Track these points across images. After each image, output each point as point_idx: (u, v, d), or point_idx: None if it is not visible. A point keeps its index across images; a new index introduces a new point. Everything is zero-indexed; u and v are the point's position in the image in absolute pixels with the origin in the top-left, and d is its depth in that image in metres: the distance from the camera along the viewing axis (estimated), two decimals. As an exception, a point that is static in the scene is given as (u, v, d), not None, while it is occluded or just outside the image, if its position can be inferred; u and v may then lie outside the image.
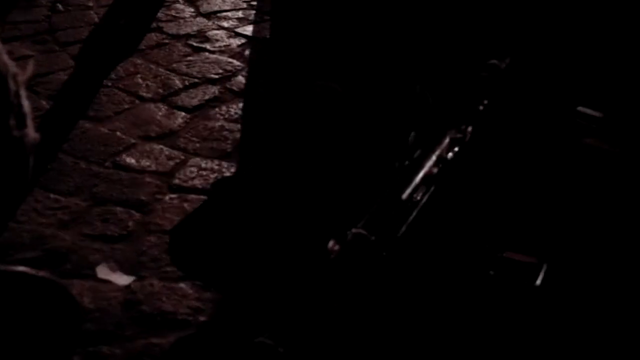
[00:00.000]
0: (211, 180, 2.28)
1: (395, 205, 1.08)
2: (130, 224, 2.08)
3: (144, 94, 2.74)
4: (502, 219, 1.23)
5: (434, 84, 1.48)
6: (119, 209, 2.14)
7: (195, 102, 2.71)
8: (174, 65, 2.95)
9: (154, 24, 3.28)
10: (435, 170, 1.17)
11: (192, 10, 3.44)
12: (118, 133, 2.50)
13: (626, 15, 1.74)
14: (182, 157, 2.39)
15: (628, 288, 1.16)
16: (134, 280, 1.88)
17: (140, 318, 1.77)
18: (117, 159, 2.37)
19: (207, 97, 2.74)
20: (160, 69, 2.91)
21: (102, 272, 1.90)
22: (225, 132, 2.53)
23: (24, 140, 1.45)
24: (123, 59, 2.96)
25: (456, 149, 1.24)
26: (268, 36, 3.26)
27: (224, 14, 3.41)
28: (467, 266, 1.13)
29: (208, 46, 3.11)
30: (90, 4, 3.44)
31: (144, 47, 3.08)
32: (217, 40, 3.16)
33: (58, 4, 3.40)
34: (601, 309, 1.12)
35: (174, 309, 1.80)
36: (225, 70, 2.92)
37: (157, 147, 2.44)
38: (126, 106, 2.66)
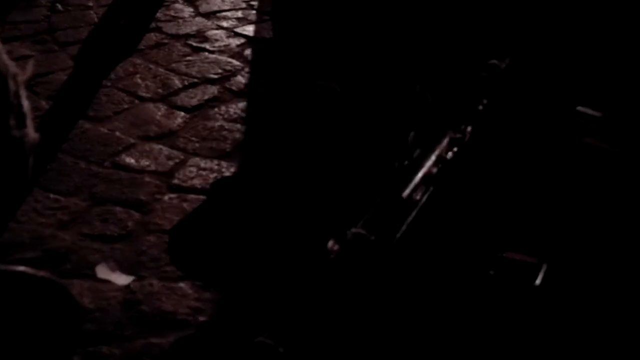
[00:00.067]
0: (210, 180, 2.28)
1: (394, 205, 1.08)
2: (129, 223, 2.08)
3: (144, 94, 2.74)
4: (502, 218, 1.23)
5: (433, 84, 1.48)
6: (118, 208, 2.14)
7: (194, 102, 2.71)
8: (173, 65, 2.95)
9: (153, 24, 3.28)
10: (434, 170, 1.17)
11: (192, 10, 3.44)
12: (117, 133, 2.50)
13: (626, 15, 1.74)
14: (182, 157, 2.39)
15: (628, 288, 1.16)
16: (134, 280, 1.88)
17: (140, 318, 1.77)
18: (117, 158, 2.37)
19: (206, 97, 2.74)
20: (159, 69, 2.91)
21: (102, 272, 1.90)
22: (224, 132, 2.53)
23: (24, 140, 1.45)
24: (122, 59, 2.96)
25: (456, 148, 1.24)
26: (267, 36, 3.26)
27: (224, 13, 3.41)
28: (467, 266, 1.13)
29: (207, 46, 3.11)
30: (90, 4, 3.44)
31: (143, 47, 3.08)
32: (216, 40, 3.16)
33: (57, 4, 3.40)
34: (601, 309, 1.12)
35: (173, 308, 1.80)
36: (225, 70, 2.92)
37: (157, 147, 2.44)
38: (125, 106, 2.66)
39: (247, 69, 2.94)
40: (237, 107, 2.68)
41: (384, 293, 1.06)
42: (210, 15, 3.40)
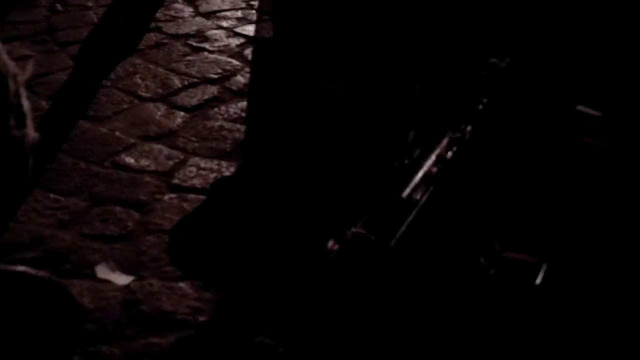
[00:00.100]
0: (210, 180, 2.28)
1: (394, 205, 1.08)
2: (129, 223, 2.08)
3: (143, 94, 2.74)
4: (502, 218, 1.23)
5: (433, 83, 1.48)
6: (118, 208, 2.14)
7: (194, 101, 2.71)
8: (173, 65, 2.95)
9: (153, 24, 3.28)
10: (434, 169, 1.17)
11: (191, 10, 3.44)
12: (117, 133, 2.50)
13: (625, 14, 1.74)
14: (182, 157, 2.39)
15: (628, 287, 1.16)
16: (134, 280, 1.88)
17: (140, 318, 1.77)
18: (117, 158, 2.37)
19: (206, 96, 2.74)
20: (159, 69, 2.91)
21: (102, 272, 1.90)
22: (224, 132, 2.53)
23: (24, 140, 1.45)
24: (122, 59, 2.96)
25: (456, 148, 1.24)
26: (267, 36, 3.26)
27: (223, 13, 3.41)
28: (467, 265, 1.13)
29: (207, 46, 3.11)
30: (90, 4, 3.44)
31: (143, 47, 3.08)
32: (216, 40, 3.16)
33: (57, 4, 3.40)
34: (601, 309, 1.12)
35: (173, 308, 1.80)
36: (225, 70, 2.92)
37: (157, 146, 2.44)
38: (125, 106, 2.66)
39: (247, 69, 2.94)
40: (237, 107, 2.68)
41: (384, 293, 1.06)
42: (210, 15, 3.40)
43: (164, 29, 3.24)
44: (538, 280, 1.09)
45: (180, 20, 3.34)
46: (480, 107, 1.35)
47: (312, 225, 2.04)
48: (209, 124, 2.58)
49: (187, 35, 3.20)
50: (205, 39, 3.17)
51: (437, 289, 1.11)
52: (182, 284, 1.87)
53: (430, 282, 1.12)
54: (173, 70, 2.91)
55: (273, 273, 1.89)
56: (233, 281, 1.89)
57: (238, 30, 3.26)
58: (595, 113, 1.40)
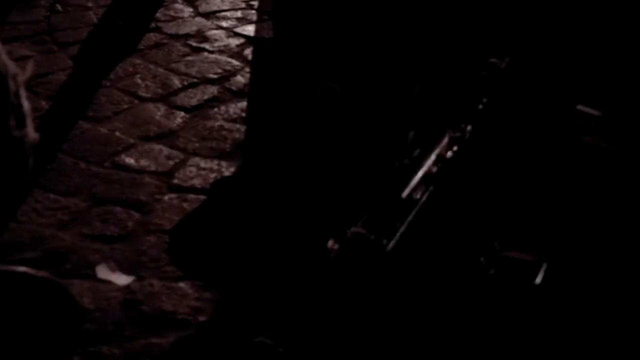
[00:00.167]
0: (210, 180, 2.28)
1: (394, 205, 1.08)
2: (129, 224, 2.08)
3: (143, 94, 2.74)
4: (502, 218, 1.23)
5: (433, 83, 1.48)
6: (118, 209, 2.14)
7: (194, 102, 2.71)
8: (173, 65, 2.95)
9: (153, 24, 3.28)
10: (434, 169, 1.17)
11: (191, 10, 3.44)
12: (117, 133, 2.50)
13: (625, 14, 1.74)
14: (182, 157, 2.39)
15: (628, 287, 1.16)
16: (134, 280, 1.88)
17: (140, 318, 1.77)
18: (117, 159, 2.37)
19: (206, 97, 2.74)
20: (159, 69, 2.91)
21: (102, 272, 1.90)
22: (224, 132, 2.53)
23: (24, 140, 1.45)
24: (122, 59, 2.96)
25: (455, 147, 1.24)
26: (267, 36, 3.26)
27: (223, 13, 3.41)
28: (467, 265, 1.13)
29: (207, 46, 3.11)
30: (89, 4, 3.44)
31: (142, 47, 3.08)
32: (216, 40, 3.16)
33: (57, 5, 3.40)
34: (601, 308, 1.12)
35: (173, 308, 1.80)
36: (225, 70, 2.92)
37: (157, 147, 2.44)
38: (125, 106, 2.66)
39: (246, 69, 2.94)
40: (237, 107, 2.68)
41: (384, 292, 1.06)
42: (209, 15, 3.40)
43: (163, 29, 3.24)
44: (538, 280, 1.09)
45: (180, 21, 3.34)
46: (480, 106, 1.35)
47: (312, 225, 2.04)
48: (209, 124, 2.58)
49: (187, 36, 3.20)
50: (205, 39, 3.17)
51: (437, 288, 1.11)
52: (182, 284, 1.87)
53: (430, 282, 1.12)
54: (173, 71, 2.91)
55: (273, 273, 1.89)
56: (233, 281, 1.89)
57: (238, 30, 3.26)
58: (595, 112, 1.40)
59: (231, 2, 3.51)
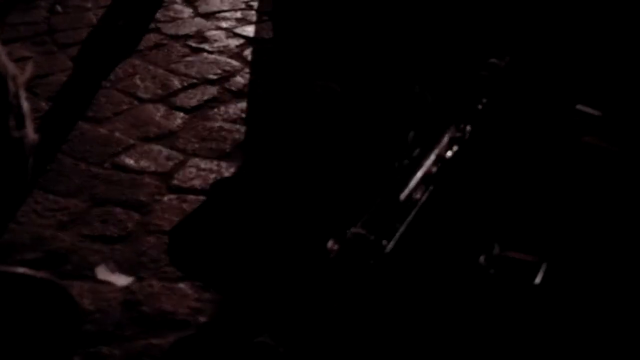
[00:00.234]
0: (210, 181, 2.28)
1: (394, 205, 1.09)
2: (129, 224, 2.08)
3: (143, 95, 2.74)
4: (502, 218, 1.23)
5: (433, 83, 1.48)
6: (118, 209, 2.14)
7: (194, 102, 2.71)
8: (173, 65, 2.95)
9: (153, 25, 3.28)
10: (434, 169, 1.17)
11: (191, 10, 3.44)
12: (117, 134, 2.50)
13: (625, 13, 1.74)
14: (181, 158, 2.39)
15: (628, 286, 1.16)
16: (134, 281, 1.88)
17: (140, 318, 1.77)
18: (116, 159, 2.37)
19: (205, 97, 2.74)
20: (158, 70, 2.91)
21: (102, 273, 1.90)
22: (224, 133, 2.53)
23: (24, 141, 1.45)
24: (122, 60, 2.96)
25: (455, 147, 1.24)
26: (267, 36, 3.26)
27: (223, 14, 3.41)
28: (467, 264, 1.13)
29: (207, 47, 3.11)
30: (89, 5, 3.44)
31: (142, 48, 3.08)
32: (215, 41, 3.16)
33: (57, 6, 3.40)
34: (601, 308, 1.12)
35: (173, 309, 1.80)
36: (224, 71, 2.92)
37: (156, 147, 2.44)
38: (125, 107, 2.66)
39: (246, 70, 2.94)
40: (237, 108, 2.68)
41: (384, 292, 1.06)
42: (209, 15, 3.40)
43: (163, 30, 3.24)
44: (538, 280, 1.09)
45: (179, 21, 3.33)
46: (480, 106, 1.35)
47: (312, 225, 2.04)
48: (209, 124, 2.58)
49: (187, 36, 3.19)
50: (205, 39, 3.17)
51: (437, 288, 1.11)
52: (182, 285, 1.87)
53: (430, 282, 1.12)
54: (172, 71, 2.91)
55: (273, 273, 1.89)
56: (233, 281, 1.89)
57: (237, 31, 3.26)
58: (595, 113, 1.40)
59: (231, 3, 3.51)
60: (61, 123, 2.54)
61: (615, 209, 1.26)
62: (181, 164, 2.36)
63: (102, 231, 2.05)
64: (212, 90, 2.79)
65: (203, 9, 3.46)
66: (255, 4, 3.51)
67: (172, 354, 1.69)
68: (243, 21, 3.35)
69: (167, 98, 2.73)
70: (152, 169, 2.33)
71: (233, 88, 2.81)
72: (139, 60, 2.98)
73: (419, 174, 1.15)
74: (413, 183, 1.13)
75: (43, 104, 2.64)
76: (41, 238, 2.00)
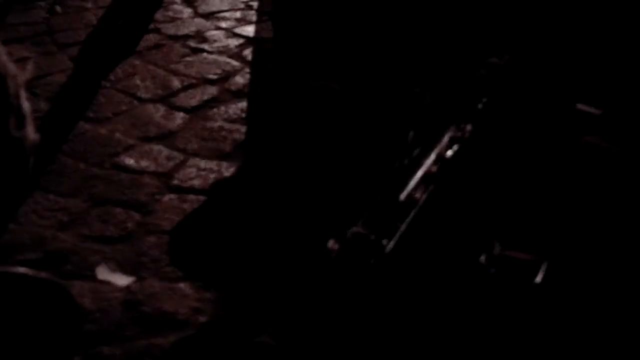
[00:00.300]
0: (210, 181, 2.28)
1: (394, 204, 1.09)
2: (129, 224, 2.08)
3: (143, 95, 2.74)
4: (502, 217, 1.23)
5: (433, 83, 1.49)
6: (118, 209, 2.14)
7: (193, 102, 2.71)
8: (172, 66, 2.95)
9: (152, 25, 3.28)
10: (434, 168, 1.18)
11: (190, 11, 3.44)
12: (117, 134, 2.50)
13: (625, 13, 1.74)
14: (181, 158, 2.39)
15: (628, 286, 1.16)
16: (134, 281, 1.88)
17: (141, 318, 1.77)
18: (116, 159, 2.37)
19: (205, 97, 2.74)
20: (158, 70, 2.91)
21: (102, 272, 1.90)
22: (224, 133, 2.53)
23: (24, 141, 1.45)
24: (121, 60, 2.96)
25: (455, 147, 1.24)
26: (267, 36, 3.26)
27: (222, 14, 3.41)
28: (468, 263, 1.13)
29: (206, 47, 3.11)
30: (89, 5, 3.44)
31: (142, 48, 3.08)
32: (215, 41, 3.16)
33: (56, 6, 3.40)
34: (601, 307, 1.12)
35: (174, 309, 1.80)
36: (224, 71, 2.92)
37: (156, 147, 2.44)
38: (125, 107, 2.66)
39: (246, 70, 2.94)
40: (237, 108, 2.68)
41: (384, 292, 1.06)
42: (209, 15, 3.40)
43: (163, 30, 3.24)
44: (538, 279, 1.09)
45: (179, 21, 3.33)
46: (480, 106, 1.35)
47: (312, 225, 2.04)
48: (209, 124, 2.58)
49: (186, 36, 3.19)
50: (205, 39, 3.17)
51: (438, 287, 1.11)
52: (182, 285, 1.87)
53: (431, 282, 1.12)
54: (172, 71, 2.91)
55: (273, 273, 1.89)
56: (233, 281, 1.89)
57: (237, 31, 3.26)
58: (595, 112, 1.40)
59: (230, 3, 3.51)
60: (61, 123, 2.54)
61: (616, 208, 1.26)
62: (181, 164, 2.36)
63: (103, 231, 2.05)
64: (212, 90, 2.79)
65: (202, 9, 3.46)
66: (255, 4, 3.51)
67: (172, 354, 1.69)
68: (243, 21, 3.35)
69: (167, 98, 2.73)
70: (152, 169, 2.33)
71: (233, 88, 2.81)
72: (139, 60, 2.98)
73: (419, 174, 1.15)
74: (413, 182, 1.13)
75: (43, 104, 2.63)
76: (41, 238, 2.00)
